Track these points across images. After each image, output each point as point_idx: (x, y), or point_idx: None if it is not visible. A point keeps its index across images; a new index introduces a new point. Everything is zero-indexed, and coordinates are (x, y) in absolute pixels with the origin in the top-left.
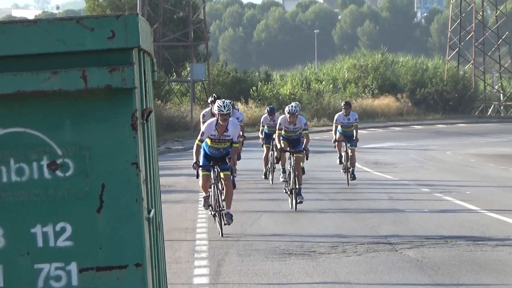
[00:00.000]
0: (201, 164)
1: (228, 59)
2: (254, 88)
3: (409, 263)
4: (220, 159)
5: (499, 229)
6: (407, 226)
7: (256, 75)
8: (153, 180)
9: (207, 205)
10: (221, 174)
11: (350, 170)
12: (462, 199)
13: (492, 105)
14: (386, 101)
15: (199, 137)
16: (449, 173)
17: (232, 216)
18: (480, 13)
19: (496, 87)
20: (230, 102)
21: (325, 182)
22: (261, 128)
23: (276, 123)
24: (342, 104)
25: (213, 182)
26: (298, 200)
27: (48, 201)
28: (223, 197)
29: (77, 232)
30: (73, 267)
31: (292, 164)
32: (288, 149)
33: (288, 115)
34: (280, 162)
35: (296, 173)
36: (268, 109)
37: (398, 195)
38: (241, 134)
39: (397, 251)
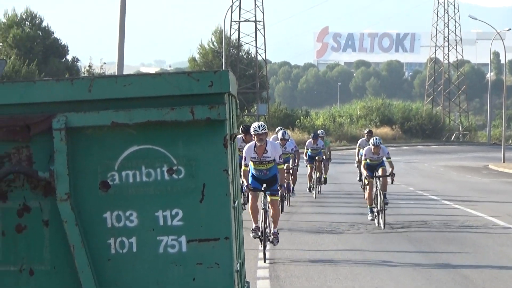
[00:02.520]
0: (250, 183)
1: (281, 101)
2: (298, 120)
3: (402, 238)
4: (267, 181)
5: (460, 215)
6: (400, 213)
7: (299, 112)
8: (236, 181)
9: (255, 233)
10: (268, 198)
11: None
12: (436, 195)
13: (454, 133)
14: (384, 130)
15: (243, 162)
16: (427, 178)
17: (278, 235)
18: (447, 73)
19: (457, 122)
20: (262, 125)
21: (346, 183)
22: (305, 150)
23: (319, 147)
24: (365, 132)
25: (262, 207)
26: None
27: (167, 194)
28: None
29: (186, 215)
30: (183, 239)
31: (379, 187)
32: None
33: (372, 147)
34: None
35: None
36: (312, 135)
37: (393, 193)
38: (292, 159)
39: (393, 230)
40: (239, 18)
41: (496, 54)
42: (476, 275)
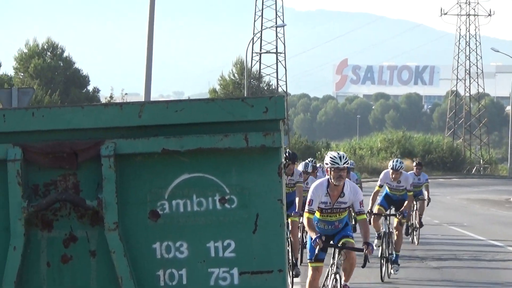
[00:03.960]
0: (308, 249)
1: (301, 133)
2: (319, 152)
3: (434, 272)
4: (337, 235)
5: (489, 250)
6: (429, 246)
7: (320, 143)
8: (285, 211)
9: None
10: (341, 242)
11: (417, 228)
12: (461, 228)
13: (475, 167)
14: (406, 163)
15: (306, 207)
16: (451, 211)
17: None
18: (467, 105)
19: (477, 155)
20: (344, 156)
21: None
22: None
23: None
24: (414, 164)
25: (334, 271)
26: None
27: (219, 225)
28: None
29: (239, 247)
30: (235, 271)
31: (390, 227)
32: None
33: (391, 171)
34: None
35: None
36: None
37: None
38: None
39: (423, 263)
40: (260, 50)
41: None
42: None
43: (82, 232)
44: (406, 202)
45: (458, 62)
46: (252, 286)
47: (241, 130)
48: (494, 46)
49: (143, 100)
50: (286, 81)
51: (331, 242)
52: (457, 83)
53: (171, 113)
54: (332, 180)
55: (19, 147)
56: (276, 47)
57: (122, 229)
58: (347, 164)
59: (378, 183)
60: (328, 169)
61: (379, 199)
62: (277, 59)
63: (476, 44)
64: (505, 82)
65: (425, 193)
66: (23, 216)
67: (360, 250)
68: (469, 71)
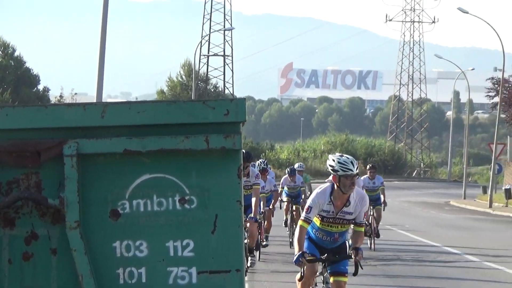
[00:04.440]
0: (306, 251)
1: (246, 135)
2: (263, 153)
3: (378, 271)
4: (334, 250)
5: (432, 250)
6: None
7: (264, 145)
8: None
9: None
10: (331, 279)
11: (374, 233)
12: (404, 230)
13: (416, 170)
14: None
15: (303, 214)
16: (393, 213)
17: None
18: (409, 110)
19: (418, 159)
20: (355, 161)
21: None
22: (280, 189)
23: (298, 185)
24: (368, 168)
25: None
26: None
27: (178, 225)
28: None
29: (197, 247)
30: (193, 270)
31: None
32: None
33: (368, 172)
34: None
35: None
36: (289, 170)
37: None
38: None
39: (367, 264)
40: (208, 52)
41: (457, 93)
42: None
43: (44, 230)
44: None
45: (401, 68)
46: (210, 285)
47: (202, 132)
48: (437, 52)
49: (95, 100)
50: (232, 84)
51: (317, 256)
52: (400, 88)
53: (134, 114)
54: (343, 189)
55: None
56: (224, 50)
57: (83, 227)
58: (357, 170)
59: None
60: (337, 176)
61: None
62: (224, 61)
63: (419, 50)
64: (446, 88)
65: (382, 197)
66: None
67: (349, 257)
68: (412, 77)
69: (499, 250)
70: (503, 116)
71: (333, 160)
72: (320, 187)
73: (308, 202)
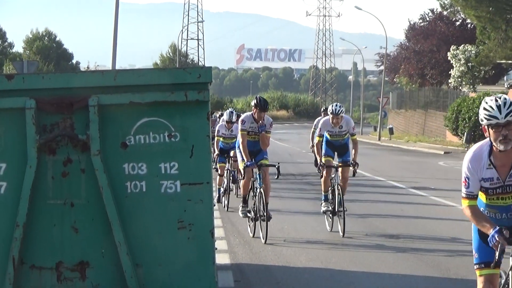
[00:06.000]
0: (475, 249)
1: (213, 92)
2: (225, 105)
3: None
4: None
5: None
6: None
7: (226, 99)
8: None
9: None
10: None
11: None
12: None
13: None
14: (282, 112)
15: (464, 190)
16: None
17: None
18: (323, 75)
19: None
20: (340, 106)
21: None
22: (216, 139)
23: (235, 134)
24: (322, 110)
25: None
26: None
27: (167, 152)
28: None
29: (180, 166)
30: (178, 183)
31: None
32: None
33: (331, 117)
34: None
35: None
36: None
37: (295, 153)
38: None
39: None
40: (187, 37)
41: (355, 64)
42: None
43: (76, 156)
44: (352, 149)
45: (317, 47)
46: (189, 193)
47: (183, 89)
48: (341, 36)
49: (110, 69)
50: (204, 58)
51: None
52: (316, 60)
53: (136, 77)
54: (495, 144)
55: (33, 99)
56: (197, 36)
57: (103, 154)
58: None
59: (318, 132)
60: (485, 126)
61: (323, 149)
62: (198, 44)
63: (330, 34)
64: (348, 60)
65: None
66: (36, 145)
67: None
68: (325, 53)
69: (391, 170)
70: (386, 79)
71: (482, 108)
72: (470, 151)
73: (463, 173)
